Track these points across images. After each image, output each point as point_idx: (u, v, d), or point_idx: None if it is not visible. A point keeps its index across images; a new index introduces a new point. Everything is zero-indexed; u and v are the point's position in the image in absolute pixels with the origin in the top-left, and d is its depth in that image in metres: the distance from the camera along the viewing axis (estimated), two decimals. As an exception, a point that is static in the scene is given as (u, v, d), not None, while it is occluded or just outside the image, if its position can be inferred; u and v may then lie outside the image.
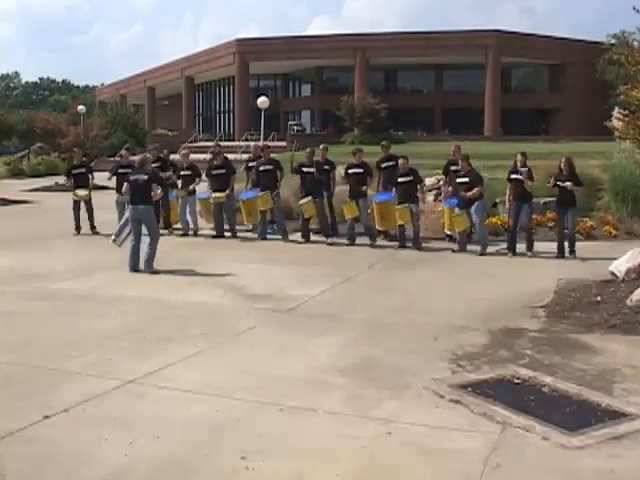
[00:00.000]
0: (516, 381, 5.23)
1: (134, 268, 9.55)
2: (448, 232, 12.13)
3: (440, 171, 13.62)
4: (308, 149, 13.08)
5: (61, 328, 6.74)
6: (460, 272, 9.79)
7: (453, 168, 12.18)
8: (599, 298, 7.58)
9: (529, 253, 10.87)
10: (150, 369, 5.45)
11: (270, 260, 10.67)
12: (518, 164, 11.09)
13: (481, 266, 10.26)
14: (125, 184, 10.11)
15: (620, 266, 8.43)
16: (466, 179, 11.32)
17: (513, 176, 11.08)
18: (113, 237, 10.31)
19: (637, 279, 8.05)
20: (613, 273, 8.45)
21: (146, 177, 9.80)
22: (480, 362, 5.67)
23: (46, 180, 27.87)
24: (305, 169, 12.55)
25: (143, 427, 4.38)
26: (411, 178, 11.87)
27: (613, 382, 5.21)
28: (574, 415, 4.59)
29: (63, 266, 10.00)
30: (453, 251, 11.36)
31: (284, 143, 41.25)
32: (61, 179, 26.56)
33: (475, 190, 11.12)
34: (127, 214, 10.00)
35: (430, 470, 3.87)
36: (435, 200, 14.82)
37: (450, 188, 12.08)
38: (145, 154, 10.58)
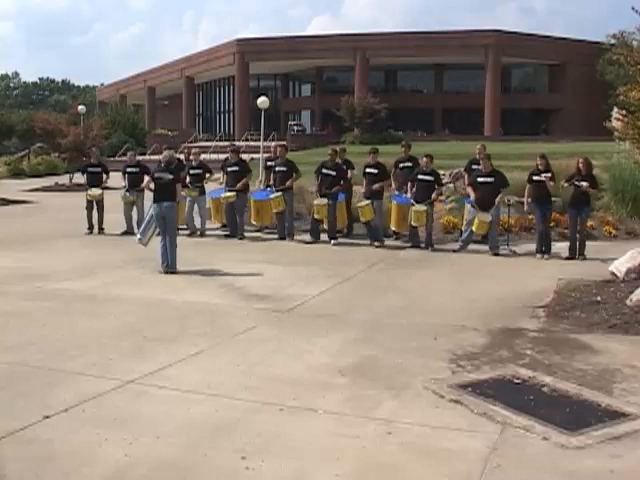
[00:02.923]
0: (516, 381, 5.23)
1: (167, 268, 9.48)
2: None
3: (441, 171, 13.63)
4: (330, 150, 12.94)
5: (61, 328, 6.73)
6: (460, 272, 9.79)
7: (475, 167, 12.11)
8: (599, 298, 7.58)
9: (539, 256, 10.77)
10: (150, 369, 5.45)
11: (270, 260, 10.66)
12: (540, 167, 11.02)
13: (481, 266, 10.26)
14: (146, 179, 10.17)
15: (620, 266, 8.43)
16: (490, 179, 11.21)
17: (535, 177, 11.02)
18: (139, 236, 10.16)
19: (637, 279, 8.06)
20: (613, 273, 8.46)
21: (171, 176, 9.82)
22: (480, 362, 5.68)
23: (46, 180, 27.90)
24: (325, 170, 12.33)
25: (143, 427, 4.38)
26: (432, 178, 11.81)
27: (613, 382, 5.21)
28: (574, 415, 4.59)
29: (63, 266, 9.99)
30: (454, 251, 11.36)
31: (284, 143, 41.25)
32: (61, 179, 26.69)
33: (501, 196, 11.13)
34: (151, 212, 9.94)
35: (430, 470, 3.87)
36: (435, 200, 14.79)
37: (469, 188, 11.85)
38: (171, 153, 10.53)
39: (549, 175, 10.85)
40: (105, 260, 10.53)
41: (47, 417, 4.50)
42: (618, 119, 11.37)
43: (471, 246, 11.43)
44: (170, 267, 9.46)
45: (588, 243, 10.89)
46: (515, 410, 4.61)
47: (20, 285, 8.66)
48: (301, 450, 4.09)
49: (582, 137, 38.56)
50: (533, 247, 11.14)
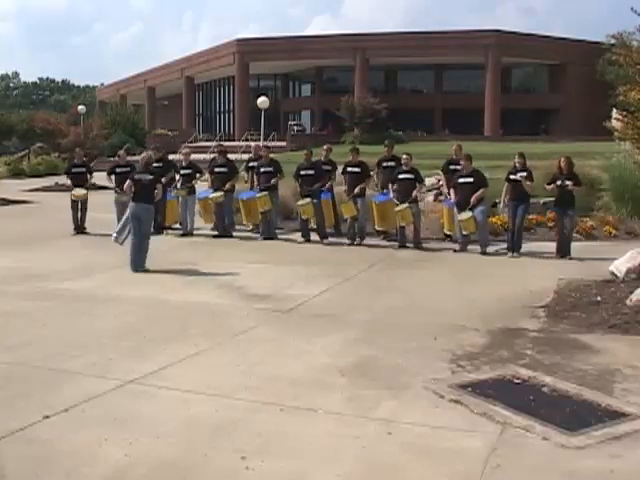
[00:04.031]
0: (516, 381, 5.23)
1: (136, 268, 9.54)
2: (448, 232, 12.11)
3: (440, 171, 13.61)
4: (305, 151, 13.08)
5: (61, 328, 6.74)
6: (460, 272, 9.79)
7: (452, 167, 12.17)
8: (599, 298, 7.58)
9: (512, 254, 10.78)
10: (150, 369, 5.45)
11: (270, 260, 10.66)
12: (517, 165, 11.09)
13: (481, 266, 10.26)
14: (127, 181, 10.17)
15: (620, 266, 8.43)
16: (470, 179, 11.26)
17: (512, 177, 11.07)
18: (115, 235, 10.29)
19: (637, 279, 8.06)
20: (613, 273, 8.46)
21: (151, 177, 9.85)
22: (480, 362, 5.67)
23: (46, 180, 27.85)
24: (303, 172, 12.50)
25: (143, 427, 4.38)
26: (412, 176, 11.83)
27: (613, 382, 5.21)
28: (574, 415, 4.59)
29: (63, 266, 9.99)
30: (454, 251, 11.35)
31: (284, 143, 41.32)
32: (61, 179, 26.67)
33: (481, 192, 11.10)
34: (129, 211, 10.00)
35: (430, 470, 3.87)
36: (435, 200, 14.82)
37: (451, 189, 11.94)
38: (149, 154, 10.57)
39: (524, 175, 10.90)
40: (105, 260, 10.52)
41: (47, 417, 4.50)
42: (618, 119, 11.34)
43: (471, 246, 11.42)
44: (139, 267, 9.50)
45: (588, 243, 10.91)
46: (515, 410, 4.61)
47: (20, 285, 8.66)
48: (301, 450, 4.09)
49: (582, 137, 38.48)
50: (533, 247, 11.14)
